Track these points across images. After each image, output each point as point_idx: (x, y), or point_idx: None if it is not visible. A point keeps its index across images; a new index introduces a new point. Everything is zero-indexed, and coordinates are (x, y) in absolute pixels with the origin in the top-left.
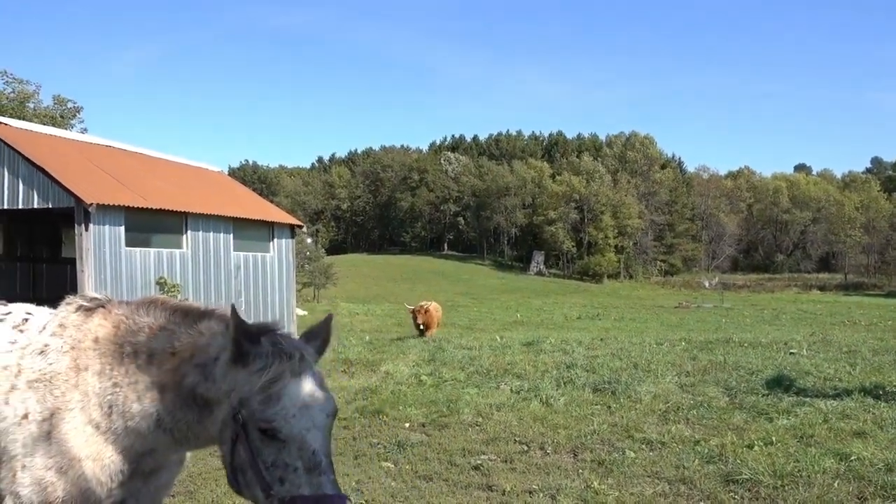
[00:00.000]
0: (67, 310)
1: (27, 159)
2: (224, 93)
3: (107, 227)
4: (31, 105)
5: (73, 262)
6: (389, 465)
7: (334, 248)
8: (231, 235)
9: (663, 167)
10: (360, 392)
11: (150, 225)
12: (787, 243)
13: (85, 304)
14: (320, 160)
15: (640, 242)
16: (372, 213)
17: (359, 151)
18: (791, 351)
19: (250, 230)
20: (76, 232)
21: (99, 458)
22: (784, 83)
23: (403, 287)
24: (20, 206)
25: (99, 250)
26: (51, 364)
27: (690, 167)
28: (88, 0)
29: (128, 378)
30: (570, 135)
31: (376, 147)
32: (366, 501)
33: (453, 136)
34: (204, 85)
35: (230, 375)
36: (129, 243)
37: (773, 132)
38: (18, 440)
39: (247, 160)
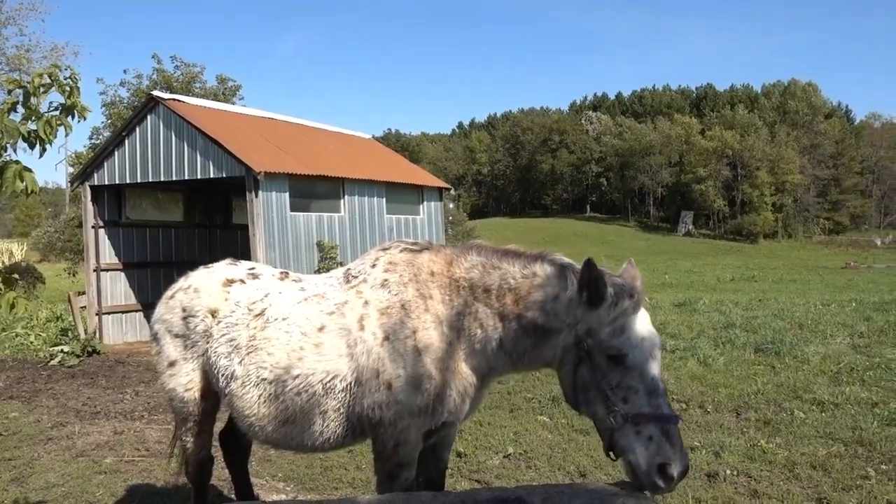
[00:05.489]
0: (392, 252)
1: (203, 133)
2: (366, 63)
3: (273, 193)
4: (198, 85)
5: (242, 227)
6: (545, 418)
7: (476, 213)
8: (384, 199)
9: (828, 117)
10: None
11: (310, 190)
12: None
13: (409, 246)
14: (460, 126)
15: (800, 199)
16: (512, 176)
17: (498, 115)
18: None
19: (401, 194)
20: (247, 199)
21: (457, 372)
22: None
23: (546, 250)
24: (198, 177)
25: (267, 215)
26: (396, 294)
27: (859, 115)
28: None
29: (468, 308)
30: (721, 87)
31: (515, 110)
32: (524, 451)
33: (595, 94)
34: (347, 58)
35: (573, 310)
36: (293, 208)
37: None
38: (385, 357)
39: (389, 128)
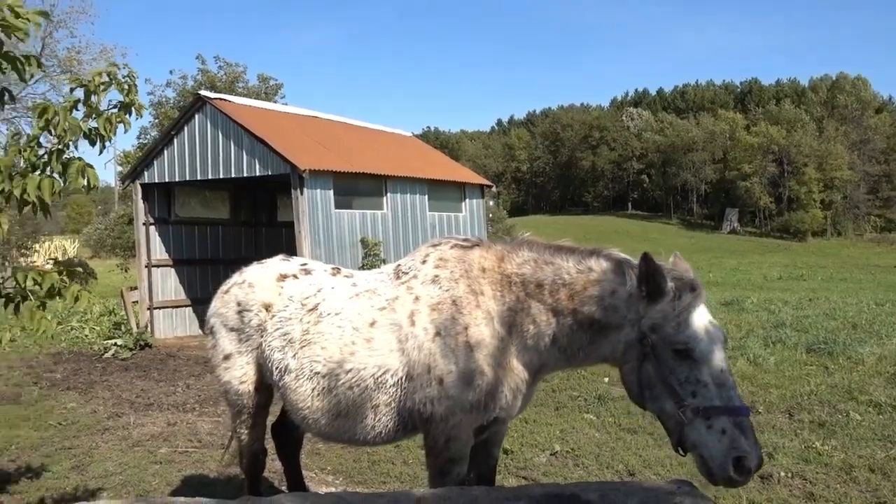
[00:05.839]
0: (443, 248)
1: (249, 131)
2: (403, 61)
3: (318, 191)
4: (241, 84)
5: (287, 225)
6: (591, 416)
7: (515, 210)
8: (426, 197)
9: (878, 111)
10: None
11: (353, 188)
12: None
13: (459, 242)
14: (499, 123)
15: (850, 196)
16: (552, 173)
17: (537, 112)
18: None
19: (443, 191)
20: (293, 196)
21: (509, 368)
22: None
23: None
24: (244, 175)
25: (312, 213)
26: (447, 290)
27: None
28: None
29: (519, 304)
30: (766, 82)
31: (555, 107)
32: (571, 449)
33: (636, 90)
34: (386, 57)
35: (634, 306)
36: (337, 206)
37: None
38: (436, 353)
39: (429, 126)
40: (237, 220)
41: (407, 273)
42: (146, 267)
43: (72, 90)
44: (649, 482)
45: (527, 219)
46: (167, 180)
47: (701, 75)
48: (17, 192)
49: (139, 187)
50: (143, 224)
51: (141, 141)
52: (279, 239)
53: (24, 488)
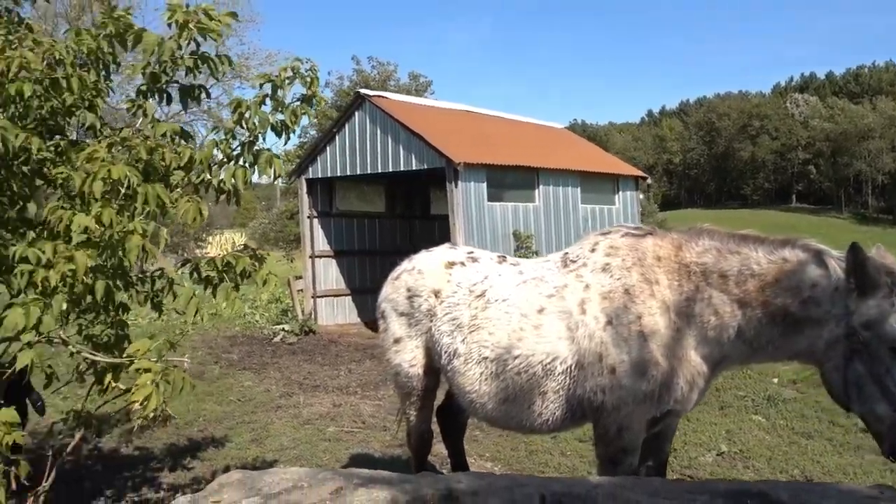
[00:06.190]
0: (613, 236)
1: (406, 126)
2: (550, 55)
3: (472, 184)
4: (392, 82)
5: (440, 217)
6: (760, 418)
7: (667, 204)
8: (578, 189)
9: None
10: None
11: (506, 181)
12: None
13: (631, 230)
14: (650, 114)
15: None
16: (707, 165)
17: (691, 101)
18: None
19: (596, 183)
20: (448, 189)
21: (686, 359)
22: None
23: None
24: (401, 169)
25: (466, 205)
26: (619, 279)
27: None
28: None
29: (699, 293)
30: None
31: (710, 95)
32: (739, 451)
33: (802, 74)
34: (530, 50)
35: (840, 300)
36: (490, 198)
37: None
38: (608, 342)
39: (575, 119)
40: (393, 213)
41: (575, 261)
42: (310, 258)
43: (261, 86)
44: (846, 485)
45: (679, 212)
46: (329, 175)
47: (879, 56)
48: (214, 181)
49: (304, 182)
50: (308, 217)
51: (301, 139)
52: (433, 231)
53: (211, 456)
